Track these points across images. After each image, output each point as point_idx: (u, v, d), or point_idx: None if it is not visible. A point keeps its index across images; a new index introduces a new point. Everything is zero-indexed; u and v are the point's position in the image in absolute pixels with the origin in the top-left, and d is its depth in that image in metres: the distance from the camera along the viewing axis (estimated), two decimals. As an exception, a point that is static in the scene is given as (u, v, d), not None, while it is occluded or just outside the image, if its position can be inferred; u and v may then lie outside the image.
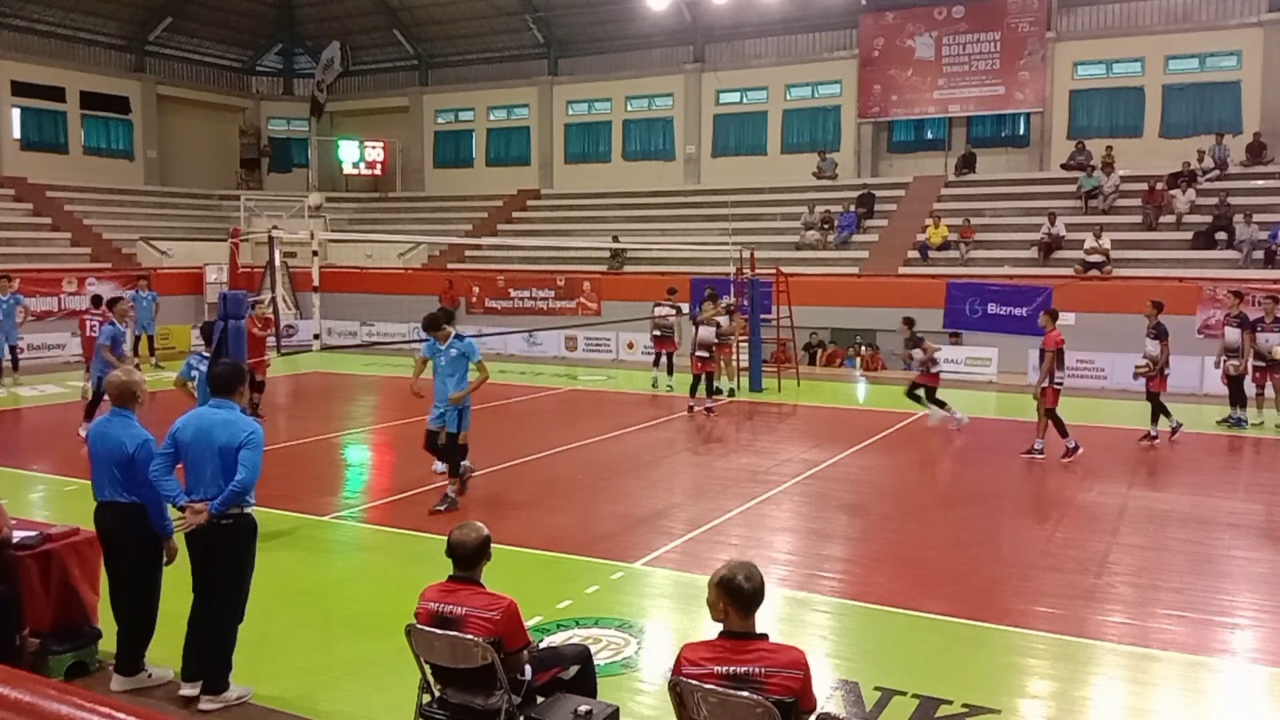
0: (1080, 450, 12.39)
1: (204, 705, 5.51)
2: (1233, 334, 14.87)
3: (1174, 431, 13.64)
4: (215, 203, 32.01)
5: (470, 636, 4.38)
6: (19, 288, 22.32)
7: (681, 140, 30.26)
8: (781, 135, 29.02)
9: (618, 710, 4.63)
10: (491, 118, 33.49)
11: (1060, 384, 12.45)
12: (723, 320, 16.84)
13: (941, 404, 14.67)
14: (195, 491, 5.45)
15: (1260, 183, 22.30)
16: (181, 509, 5.43)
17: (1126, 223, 22.75)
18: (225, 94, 34.98)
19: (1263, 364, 14.91)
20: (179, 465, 5.60)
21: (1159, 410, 13.55)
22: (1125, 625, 6.94)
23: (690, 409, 15.85)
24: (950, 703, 5.62)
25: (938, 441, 14.56)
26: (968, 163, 26.20)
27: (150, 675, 5.75)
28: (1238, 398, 14.95)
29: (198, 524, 5.35)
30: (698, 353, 16.04)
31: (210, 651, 5.55)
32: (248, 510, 5.52)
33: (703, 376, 15.95)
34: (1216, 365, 15.12)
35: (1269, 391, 15.14)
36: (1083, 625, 6.88)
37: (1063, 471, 12.00)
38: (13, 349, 18.79)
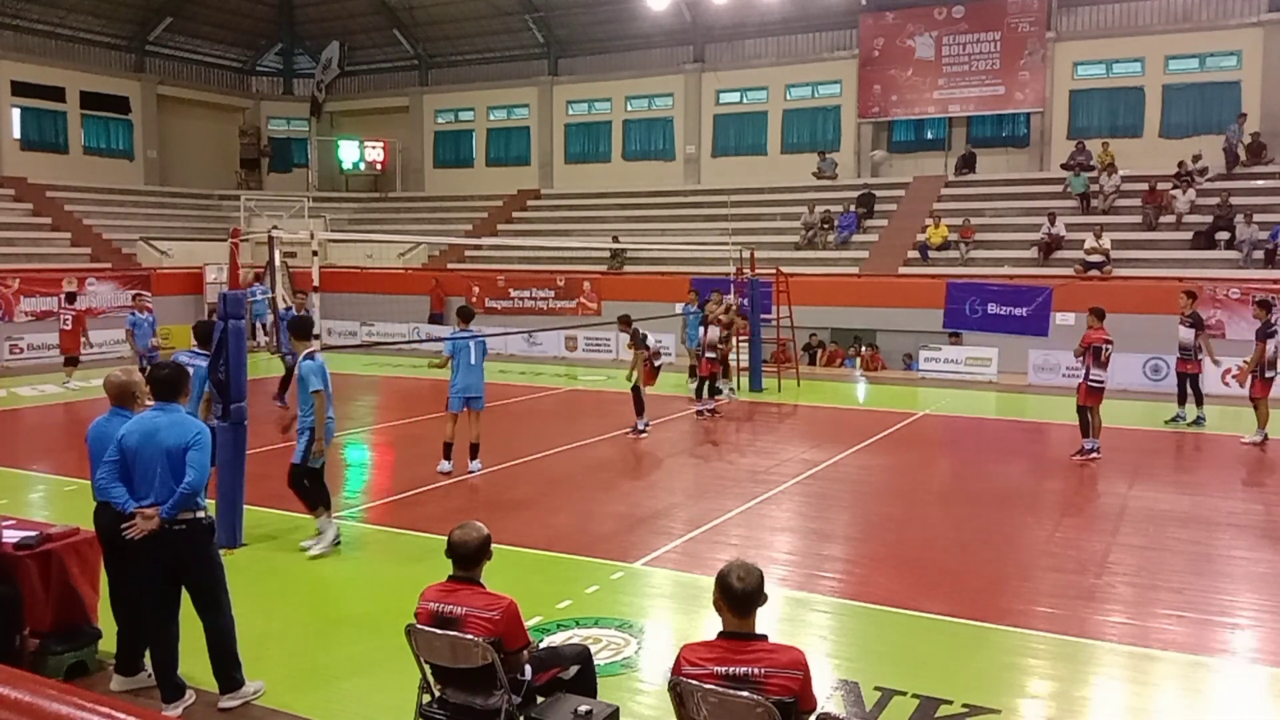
0: (1095, 455, 12.31)
1: (225, 703, 5.52)
2: (1185, 334, 14.80)
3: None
4: (215, 203, 32.03)
5: (470, 636, 4.38)
6: (19, 288, 22.37)
7: (681, 140, 30.25)
8: (781, 135, 29.01)
9: (618, 710, 4.63)
10: (491, 118, 33.49)
11: (1097, 383, 12.39)
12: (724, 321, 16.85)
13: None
14: (145, 497, 5.35)
15: (1260, 183, 22.30)
16: (131, 515, 5.33)
17: (1127, 223, 22.74)
18: (225, 94, 34.98)
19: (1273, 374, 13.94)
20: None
21: None
22: (1125, 625, 6.94)
23: (710, 411, 15.84)
24: (950, 703, 5.62)
25: (937, 441, 14.57)
26: (968, 163, 26.19)
27: (150, 675, 5.75)
28: (1198, 399, 14.85)
29: (149, 529, 5.27)
30: (707, 354, 16.07)
31: (216, 652, 5.56)
32: (201, 514, 5.46)
33: (708, 376, 16.00)
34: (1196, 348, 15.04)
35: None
36: (1083, 625, 6.88)
37: (1063, 471, 12.00)
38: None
